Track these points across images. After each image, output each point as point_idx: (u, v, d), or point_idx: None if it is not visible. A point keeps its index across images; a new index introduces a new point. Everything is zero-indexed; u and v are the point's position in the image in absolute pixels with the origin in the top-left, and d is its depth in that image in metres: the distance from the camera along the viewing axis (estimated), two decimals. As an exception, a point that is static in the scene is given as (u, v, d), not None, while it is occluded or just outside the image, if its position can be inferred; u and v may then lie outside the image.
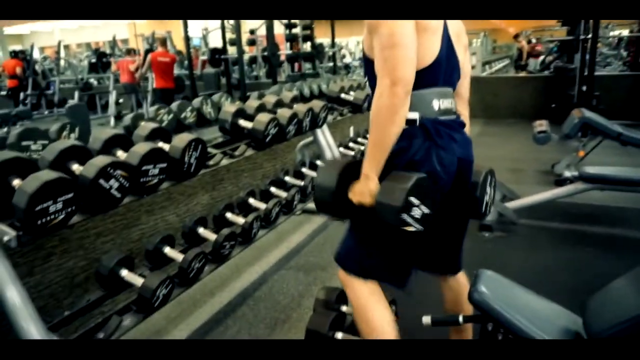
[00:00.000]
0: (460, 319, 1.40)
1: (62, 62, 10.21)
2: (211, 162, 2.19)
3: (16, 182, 1.48)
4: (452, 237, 1.56)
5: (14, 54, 9.25)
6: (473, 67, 8.28)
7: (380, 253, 1.39)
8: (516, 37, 12.17)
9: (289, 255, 2.85)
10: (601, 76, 6.45)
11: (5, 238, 1.40)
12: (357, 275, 1.42)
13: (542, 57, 11.20)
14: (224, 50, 7.12)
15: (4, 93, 8.79)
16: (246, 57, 8.12)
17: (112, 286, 1.80)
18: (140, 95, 8.19)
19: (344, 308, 2.06)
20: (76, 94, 8.51)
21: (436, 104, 1.34)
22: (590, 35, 5.76)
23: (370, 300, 1.40)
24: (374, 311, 1.39)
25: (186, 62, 8.03)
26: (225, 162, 2.31)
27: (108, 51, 10.98)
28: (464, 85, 1.51)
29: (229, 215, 2.39)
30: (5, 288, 1.39)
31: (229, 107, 2.47)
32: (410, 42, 1.20)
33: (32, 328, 1.40)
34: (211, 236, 2.18)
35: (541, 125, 4.03)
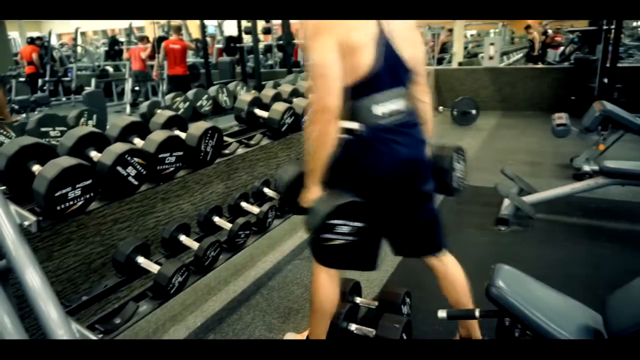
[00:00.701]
0: (477, 313, 1.39)
1: (79, 49, 10.30)
2: (227, 151, 2.19)
3: (36, 168, 1.50)
4: (418, 222, 1.62)
5: (31, 40, 9.34)
6: (491, 58, 8.15)
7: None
8: (527, 28, 11.89)
9: (303, 245, 2.85)
10: (623, 68, 6.28)
11: (26, 223, 1.42)
12: (322, 265, 1.65)
13: (561, 48, 10.97)
14: (239, 39, 7.10)
15: (22, 79, 8.91)
16: (261, 45, 8.09)
17: (128, 273, 1.82)
18: (155, 83, 8.24)
19: (357, 300, 2.06)
20: (93, 81, 8.59)
21: (378, 110, 1.44)
22: (613, 26, 5.60)
23: (323, 282, 1.65)
24: (322, 291, 1.65)
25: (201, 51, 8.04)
26: (240, 151, 2.31)
27: (124, 38, 11.03)
28: (420, 73, 1.59)
29: (244, 204, 2.39)
30: (25, 271, 1.41)
31: (245, 96, 2.46)
32: (335, 73, 1.36)
33: (51, 310, 1.41)
34: (226, 225, 2.19)
35: (560, 118, 3.95)
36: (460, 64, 9.17)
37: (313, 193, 1.46)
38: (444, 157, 1.64)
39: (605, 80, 5.70)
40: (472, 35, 16.73)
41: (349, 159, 1.46)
